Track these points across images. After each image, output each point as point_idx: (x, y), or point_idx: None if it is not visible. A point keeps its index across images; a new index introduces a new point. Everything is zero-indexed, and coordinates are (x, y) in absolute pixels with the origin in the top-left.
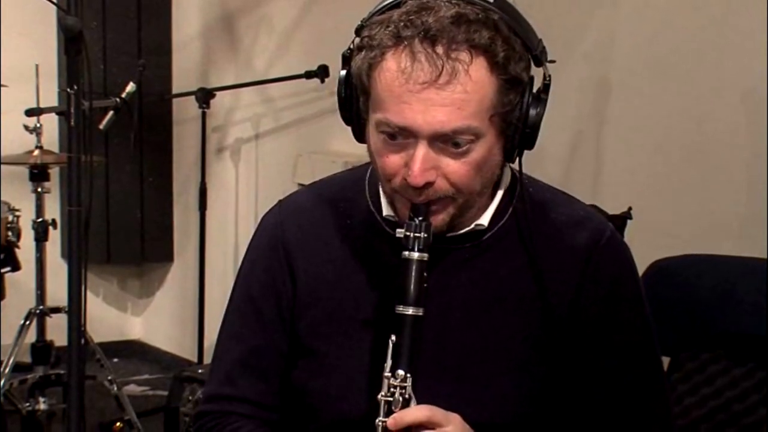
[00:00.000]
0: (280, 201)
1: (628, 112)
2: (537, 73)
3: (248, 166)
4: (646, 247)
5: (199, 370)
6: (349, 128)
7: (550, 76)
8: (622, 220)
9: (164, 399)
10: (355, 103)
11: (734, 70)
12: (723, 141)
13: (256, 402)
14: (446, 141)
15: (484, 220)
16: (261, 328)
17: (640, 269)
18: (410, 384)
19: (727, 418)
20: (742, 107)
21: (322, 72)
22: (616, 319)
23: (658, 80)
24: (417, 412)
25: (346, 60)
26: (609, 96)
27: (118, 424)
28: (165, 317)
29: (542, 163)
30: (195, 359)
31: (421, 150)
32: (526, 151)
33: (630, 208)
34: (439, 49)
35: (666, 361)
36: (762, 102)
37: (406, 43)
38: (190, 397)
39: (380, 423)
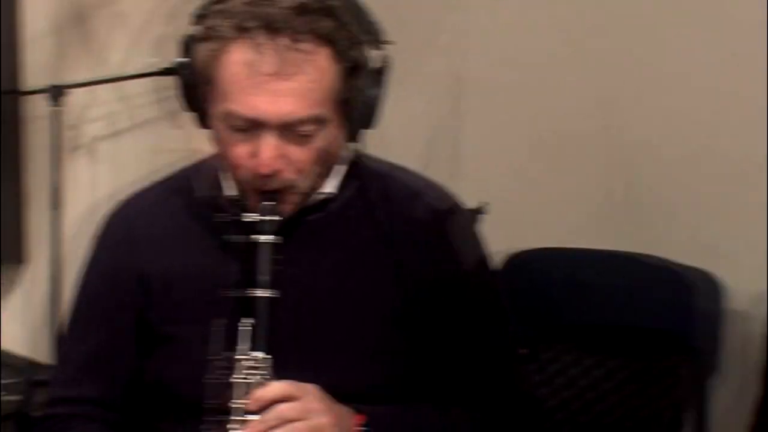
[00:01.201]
0: (120, 200)
1: (483, 108)
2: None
3: (105, 165)
4: (503, 240)
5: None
6: None
7: (387, 57)
8: (475, 214)
9: (17, 404)
10: (197, 91)
11: (588, 69)
12: (578, 138)
13: (101, 402)
14: (292, 130)
15: (328, 189)
16: (104, 328)
17: (498, 262)
18: (266, 364)
19: (580, 406)
20: (596, 106)
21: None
22: (464, 285)
23: (513, 77)
24: (274, 389)
25: (185, 47)
26: (465, 91)
27: None
28: (18, 320)
29: (399, 158)
30: (50, 362)
31: (268, 139)
32: (383, 148)
33: (483, 204)
34: (283, 40)
35: (522, 352)
36: (613, 103)
37: (249, 34)
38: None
39: (235, 405)
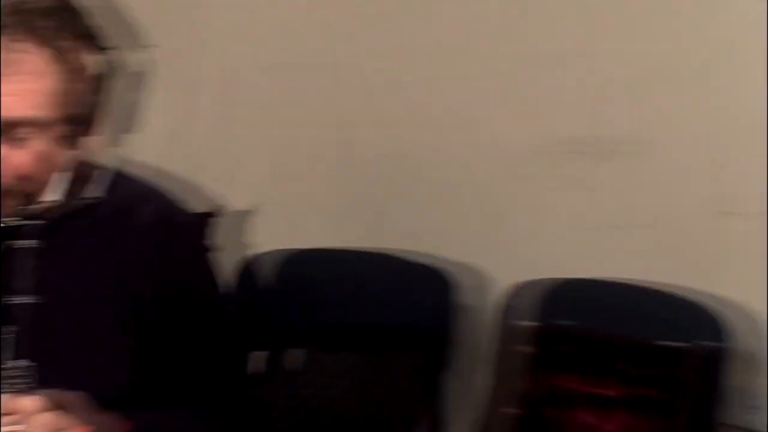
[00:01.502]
0: None
1: (225, 111)
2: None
3: None
4: (246, 244)
5: None
6: None
7: (110, 62)
8: (207, 218)
9: None
10: None
11: (326, 72)
12: (318, 141)
13: None
14: (8, 132)
15: (51, 196)
16: None
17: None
18: (22, 374)
19: (319, 404)
20: (335, 109)
21: None
22: (186, 290)
23: (258, 80)
24: (35, 399)
25: None
26: (201, 94)
27: None
28: None
29: (137, 162)
30: None
31: None
32: (120, 148)
33: (217, 208)
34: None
35: (264, 355)
36: (352, 105)
37: None
38: None
39: None
